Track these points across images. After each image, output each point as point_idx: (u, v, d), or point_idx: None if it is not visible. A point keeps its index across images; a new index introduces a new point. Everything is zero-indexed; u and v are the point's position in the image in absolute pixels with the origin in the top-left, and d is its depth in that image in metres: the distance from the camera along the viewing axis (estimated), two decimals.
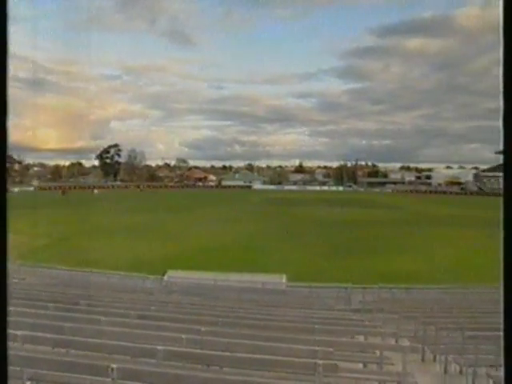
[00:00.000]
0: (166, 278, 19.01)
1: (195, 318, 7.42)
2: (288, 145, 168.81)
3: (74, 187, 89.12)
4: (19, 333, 5.07)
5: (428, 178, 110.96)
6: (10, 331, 4.65)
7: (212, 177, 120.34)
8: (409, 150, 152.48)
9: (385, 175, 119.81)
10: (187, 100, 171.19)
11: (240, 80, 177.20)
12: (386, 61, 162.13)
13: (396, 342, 7.34)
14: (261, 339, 5.81)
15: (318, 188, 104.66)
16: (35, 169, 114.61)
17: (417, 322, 8.52)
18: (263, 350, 5.23)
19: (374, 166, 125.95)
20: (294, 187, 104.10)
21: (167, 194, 78.45)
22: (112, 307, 8.31)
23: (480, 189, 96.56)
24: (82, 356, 5.14)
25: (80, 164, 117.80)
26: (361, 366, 6.33)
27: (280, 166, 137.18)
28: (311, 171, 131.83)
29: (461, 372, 6.71)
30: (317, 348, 5.14)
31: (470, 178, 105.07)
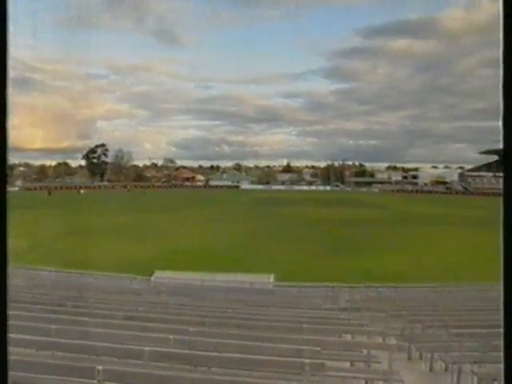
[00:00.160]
0: (153, 278, 18.91)
1: (183, 319, 7.39)
2: (276, 145, 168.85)
3: (61, 187, 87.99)
4: None
5: (414, 177, 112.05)
6: None
7: (200, 177, 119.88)
8: (395, 149, 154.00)
9: (372, 175, 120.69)
10: (175, 100, 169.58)
11: (228, 80, 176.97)
12: (373, 62, 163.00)
13: (383, 340, 7.39)
14: (249, 339, 5.81)
15: (305, 188, 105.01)
16: (20, 169, 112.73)
17: (403, 321, 8.60)
18: (251, 349, 5.23)
19: (361, 165, 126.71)
20: (281, 187, 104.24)
21: (154, 194, 78.00)
22: (98, 308, 8.23)
23: (465, 188, 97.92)
24: (67, 358, 5.08)
25: (66, 164, 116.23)
26: (348, 364, 6.37)
27: (268, 166, 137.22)
28: (299, 171, 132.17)
29: (446, 369, 6.79)
30: (304, 347, 5.16)
31: (456, 177, 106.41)
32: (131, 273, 19.24)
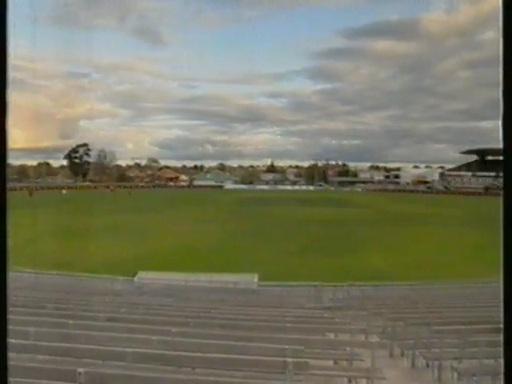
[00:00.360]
0: (136, 279, 18.72)
1: (166, 319, 7.34)
2: (259, 144, 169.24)
3: (42, 188, 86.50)
4: None
5: (396, 177, 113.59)
6: None
7: (183, 177, 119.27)
8: (378, 149, 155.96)
9: (355, 174, 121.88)
10: (158, 99, 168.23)
11: (211, 79, 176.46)
12: (355, 62, 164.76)
13: (365, 338, 7.47)
14: (233, 339, 5.80)
15: (289, 187, 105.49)
16: None
17: (385, 318, 8.69)
18: (235, 349, 5.22)
19: (344, 165, 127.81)
20: (265, 187, 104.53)
21: (138, 195, 77.30)
22: (80, 310, 8.11)
23: (446, 187, 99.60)
24: (48, 361, 4.99)
25: (48, 164, 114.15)
26: (331, 363, 6.41)
27: (252, 166, 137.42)
28: (283, 171, 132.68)
29: (427, 365, 6.90)
30: (287, 346, 5.17)
31: (437, 177, 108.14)
32: (114, 274, 18.99)
